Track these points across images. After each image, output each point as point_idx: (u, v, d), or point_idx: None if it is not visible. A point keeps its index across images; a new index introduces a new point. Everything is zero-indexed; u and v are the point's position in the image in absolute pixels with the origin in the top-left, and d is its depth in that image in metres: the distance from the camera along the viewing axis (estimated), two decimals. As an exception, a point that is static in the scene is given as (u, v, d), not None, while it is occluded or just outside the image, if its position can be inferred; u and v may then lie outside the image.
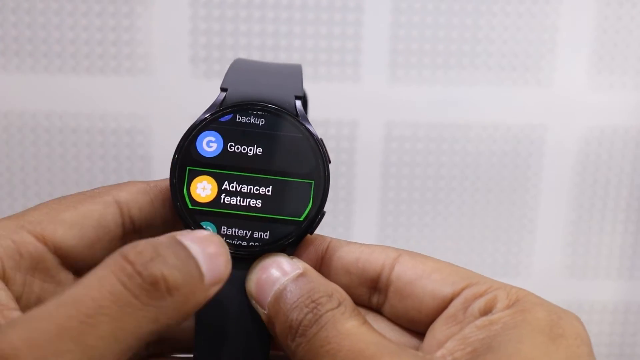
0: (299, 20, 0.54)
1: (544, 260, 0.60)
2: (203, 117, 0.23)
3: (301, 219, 0.23)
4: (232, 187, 0.23)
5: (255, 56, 0.54)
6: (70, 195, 0.23)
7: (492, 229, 0.59)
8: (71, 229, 0.22)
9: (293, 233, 0.23)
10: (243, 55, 0.54)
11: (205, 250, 0.19)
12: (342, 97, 0.56)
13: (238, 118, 0.23)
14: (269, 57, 0.55)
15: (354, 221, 0.58)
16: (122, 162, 0.56)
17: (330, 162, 0.24)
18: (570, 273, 0.60)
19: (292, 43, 0.54)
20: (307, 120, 0.24)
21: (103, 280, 0.17)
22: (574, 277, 0.60)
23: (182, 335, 0.25)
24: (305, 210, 0.23)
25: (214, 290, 0.20)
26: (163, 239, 0.19)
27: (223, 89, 0.24)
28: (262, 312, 0.22)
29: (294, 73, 0.25)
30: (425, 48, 0.55)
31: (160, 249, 0.18)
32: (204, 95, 0.54)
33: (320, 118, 0.56)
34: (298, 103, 0.24)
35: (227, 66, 0.25)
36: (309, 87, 0.57)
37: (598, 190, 0.59)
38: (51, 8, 0.53)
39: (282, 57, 0.55)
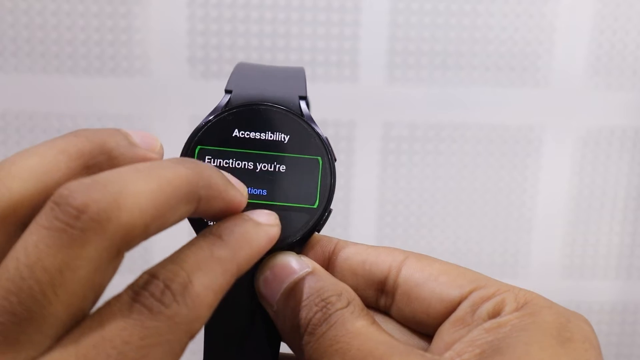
0: (296, 20, 0.54)
1: (541, 261, 0.60)
2: (207, 119, 0.23)
3: (308, 216, 0.23)
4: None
5: (254, 56, 0.54)
6: None
7: (489, 230, 0.59)
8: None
9: (300, 230, 0.23)
10: (241, 56, 0.54)
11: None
12: (340, 98, 0.56)
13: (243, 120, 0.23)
14: (267, 58, 0.54)
15: (352, 221, 0.58)
16: (120, 162, 0.56)
17: (336, 160, 0.24)
18: (568, 273, 0.60)
19: (290, 43, 0.54)
20: (312, 120, 0.24)
21: None
22: (572, 278, 0.60)
23: None
24: (312, 207, 0.23)
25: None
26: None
27: (228, 91, 0.24)
28: (271, 310, 0.22)
29: (297, 75, 0.25)
30: (423, 48, 0.55)
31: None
32: (202, 95, 0.54)
33: (319, 118, 0.55)
34: (302, 103, 0.24)
35: (225, 67, 0.25)
36: (307, 87, 0.57)
37: (595, 191, 0.59)
38: (49, 9, 0.53)
39: (280, 58, 0.54)
